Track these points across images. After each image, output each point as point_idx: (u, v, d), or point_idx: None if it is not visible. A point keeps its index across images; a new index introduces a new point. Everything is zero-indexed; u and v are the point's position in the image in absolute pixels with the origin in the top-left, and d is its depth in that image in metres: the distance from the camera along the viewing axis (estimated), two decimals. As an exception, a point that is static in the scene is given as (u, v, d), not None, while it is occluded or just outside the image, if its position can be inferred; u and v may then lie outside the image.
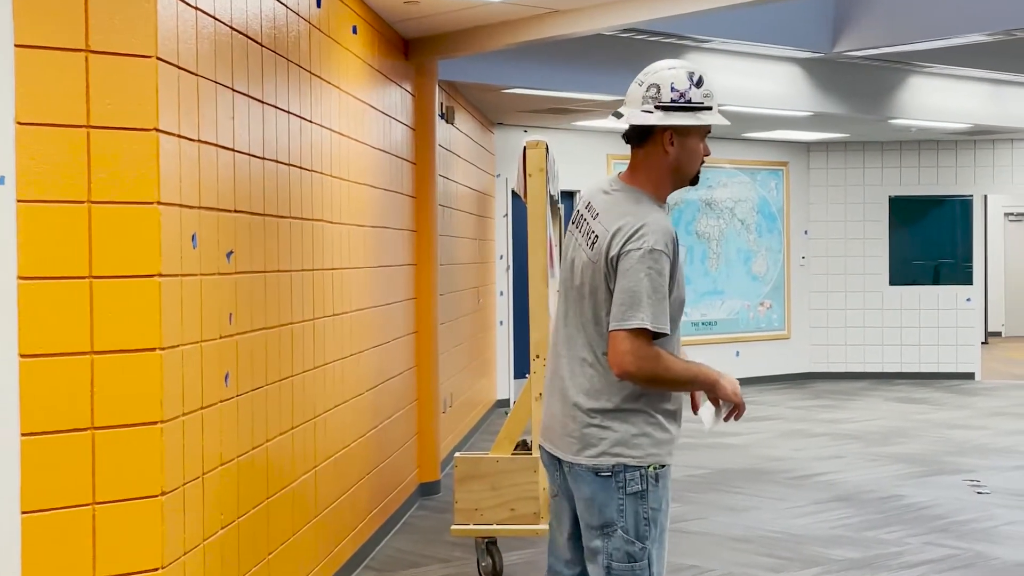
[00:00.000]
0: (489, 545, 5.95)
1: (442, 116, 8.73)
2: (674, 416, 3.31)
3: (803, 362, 14.59)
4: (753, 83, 10.19)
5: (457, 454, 5.89)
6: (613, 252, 3.15)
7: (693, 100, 3.21)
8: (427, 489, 7.83)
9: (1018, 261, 20.75)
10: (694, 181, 3.34)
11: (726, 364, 13.89)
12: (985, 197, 17.73)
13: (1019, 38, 9.05)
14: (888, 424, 10.95)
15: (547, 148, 5.80)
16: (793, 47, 9.59)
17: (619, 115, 3.28)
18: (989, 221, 19.80)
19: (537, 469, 5.77)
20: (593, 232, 3.25)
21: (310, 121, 5.21)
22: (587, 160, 12.38)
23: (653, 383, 3.16)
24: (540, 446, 3.45)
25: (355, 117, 6.14)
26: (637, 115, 3.22)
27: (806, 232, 14.61)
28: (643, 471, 3.21)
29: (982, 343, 17.20)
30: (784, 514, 7.27)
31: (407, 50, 7.48)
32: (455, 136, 9.49)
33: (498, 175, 11.91)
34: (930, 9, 8.86)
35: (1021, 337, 20.48)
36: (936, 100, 11.54)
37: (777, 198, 14.42)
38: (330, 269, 5.54)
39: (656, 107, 3.20)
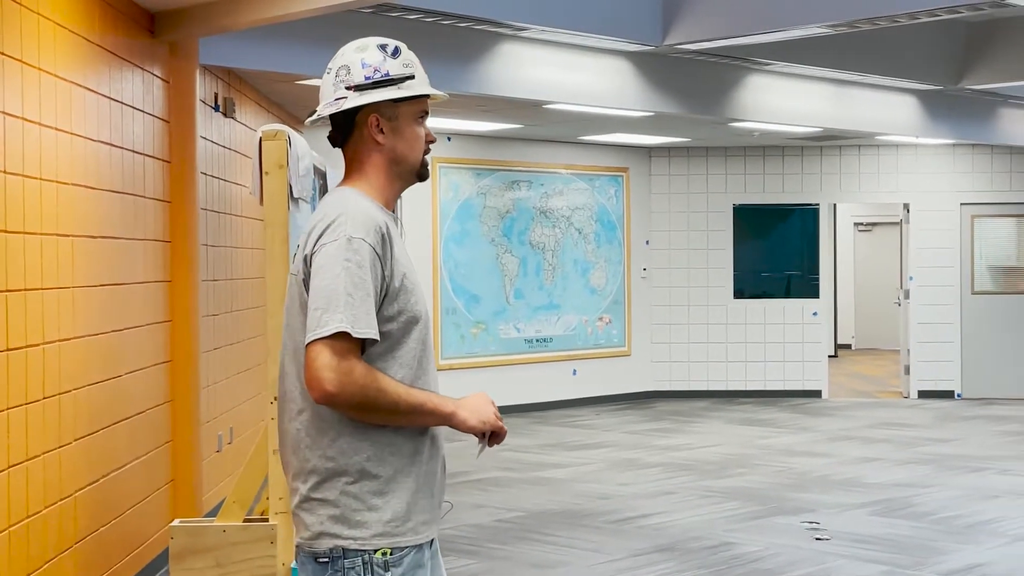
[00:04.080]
0: (217, 635, 4.81)
1: (216, 108, 7.55)
2: (424, 480, 2.56)
3: (644, 380, 13.72)
4: (578, 78, 9.19)
5: (174, 522, 4.73)
6: (308, 250, 2.56)
7: (392, 73, 2.64)
8: (182, 547, 6.60)
9: (868, 272, 20.32)
10: (422, 175, 2.73)
11: (563, 384, 12.96)
12: (834, 206, 17.21)
13: (862, 31, 8.26)
14: (727, 451, 10.08)
15: (289, 139, 4.69)
16: (620, 38, 8.62)
17: (312, 114, 2.72)
18: (839, 231, 19.33)
19: (276, 540, 4.65)
20: (298, 245, 2.68)
21: (-41, 100, 4.01)
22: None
23: (365, 410, 2.46)
24: None
25: (58, 101, 4.93)
26: (330, 105, 2.65)
27: (647, 242, 13.75)
28: (366, 557, 2.49)
29: (831, 356, 16.67)
30: (597, 570, 6.27)
31: (153, 25, 6.29)
32: (240, 133, 8.30)
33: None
34: (767, -3, 7.99)
35: (871, 349, 20.06)
36: (779, 101, 10.71)
37: (617, 206, 13.52)
38: (2, 291, 4.33)
39: (348, 89, 2.64)
